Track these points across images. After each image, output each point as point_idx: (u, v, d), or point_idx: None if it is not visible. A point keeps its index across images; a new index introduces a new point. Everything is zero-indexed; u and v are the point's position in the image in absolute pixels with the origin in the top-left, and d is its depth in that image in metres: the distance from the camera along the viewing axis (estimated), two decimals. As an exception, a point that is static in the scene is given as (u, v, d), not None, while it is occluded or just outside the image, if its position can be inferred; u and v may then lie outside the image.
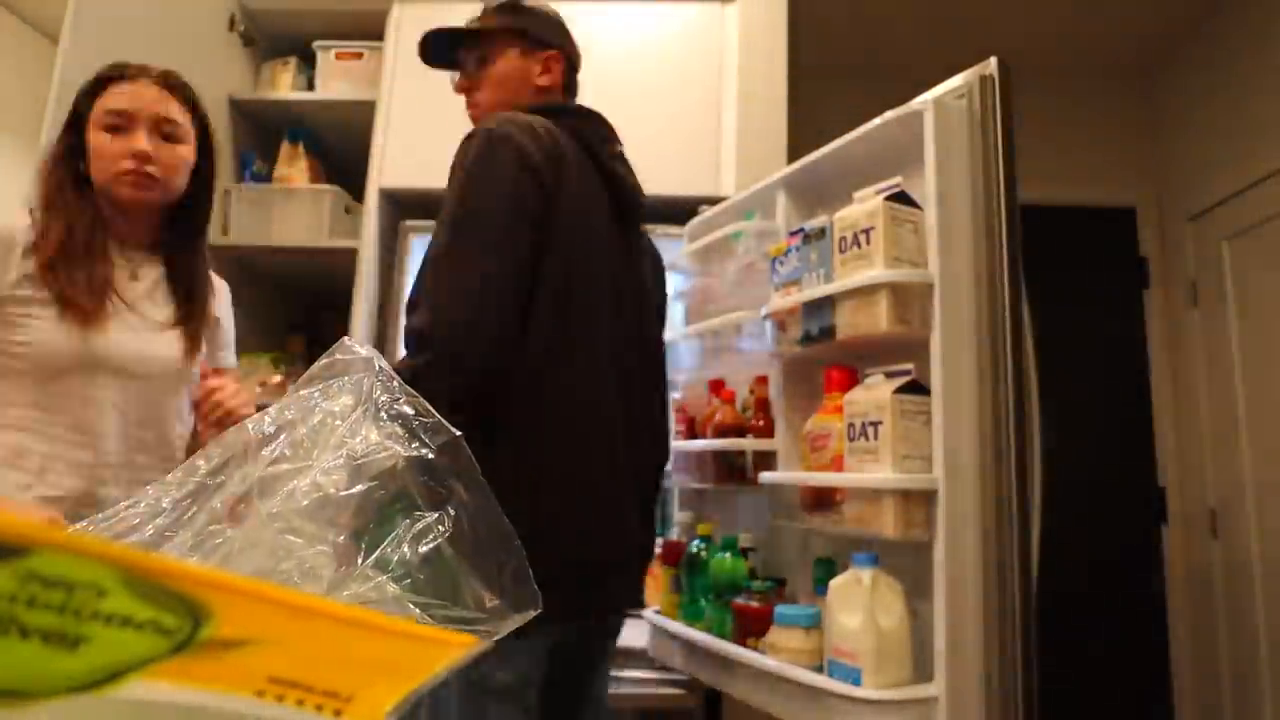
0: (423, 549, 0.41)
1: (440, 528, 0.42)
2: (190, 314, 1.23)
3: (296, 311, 2.58)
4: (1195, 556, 2.77)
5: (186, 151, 1.21)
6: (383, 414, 0.45)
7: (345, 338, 0.49)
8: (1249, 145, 2.57)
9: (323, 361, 0.48)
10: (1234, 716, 2.53)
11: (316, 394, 0.45)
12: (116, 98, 1.15)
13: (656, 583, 1.81)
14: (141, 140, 1.14)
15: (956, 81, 1.19)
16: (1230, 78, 2.68)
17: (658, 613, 1.58)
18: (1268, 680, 2.38)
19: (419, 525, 0.42)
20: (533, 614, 0.45)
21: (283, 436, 0.43)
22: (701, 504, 1.69)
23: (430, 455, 0.44)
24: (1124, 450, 2.92)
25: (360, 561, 0.39)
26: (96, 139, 1.14)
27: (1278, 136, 2.46)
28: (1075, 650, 2.73)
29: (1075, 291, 2.89)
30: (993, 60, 1.15)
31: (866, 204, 1.17)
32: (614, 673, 1.69)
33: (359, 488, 0.41)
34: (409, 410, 0.45)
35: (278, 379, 2.16)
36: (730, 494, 1.64)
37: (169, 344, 1.20)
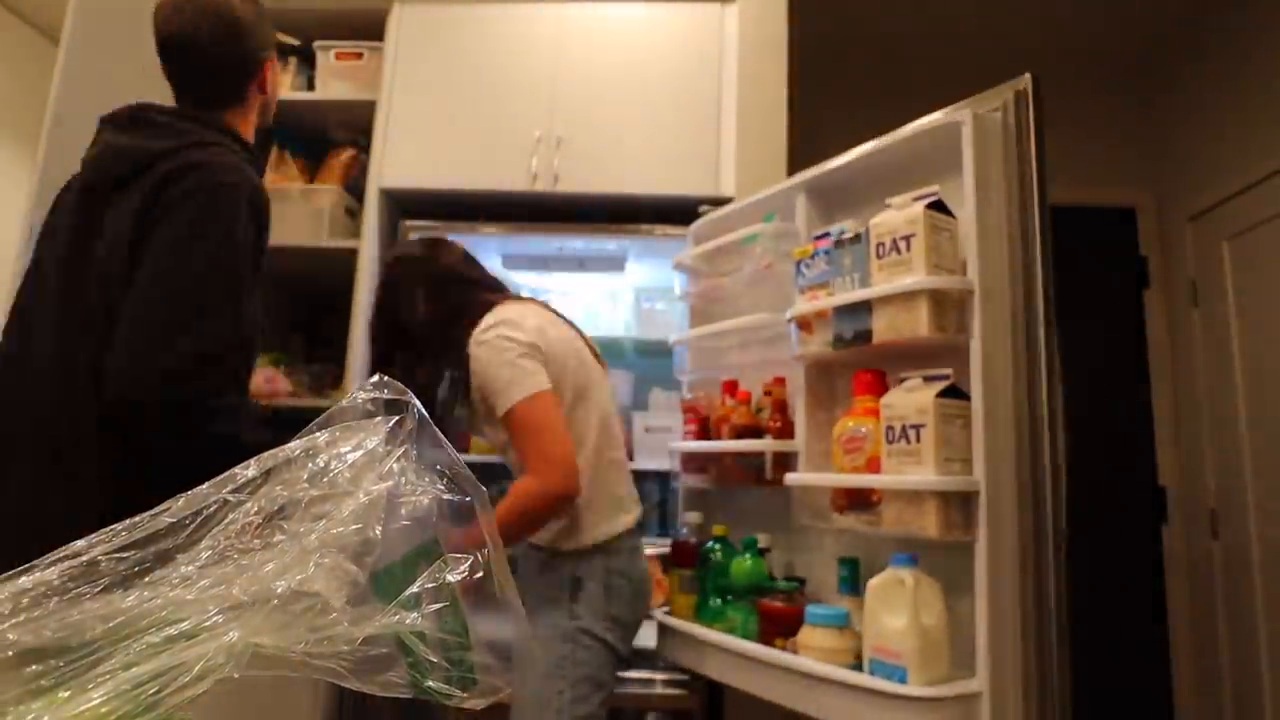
0: (440, 599, 0.41)
1: (459, 579, 0.42)
2: None
3: (296, 311, 2.58)
4: (1195, 556, 2.77)
5: None
6: (420, 457, 0.45)
7: (383, 375, 0.49)
8: (1249, 145, 2.58)
9: (360, 395, 0.48)
10: (1234, 715, 2.54)
11: (353, 427, 0.45)
12: None
13: (662, 584, 1.81)
14: None
15: (990, 94, 1.23)
16: (1231, 77, 2.68)
17: (668, 613, 1.58)
18: (1268, 679, 2.38)
19: (441, 573, 0.42)
20: (529, 680, 0.45)
21: (319, 461, 0.43)
22: (706, 504, 1.69)
23: (463, 502, 0.45)
24: (1124, 450, 2.93)
25: (373, 600, 0.39)
26: None
27: (1278, 136, 2.46)
28: (1075, 649, 2.73)
29: (1075, 291, 2.89)
30: (1027, 76, 1.19)
31: (906, 211, 1.19)
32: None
33: (394, 525, 0.41)
34: (445, 457, 0.46)
35: (277, 379, 2.16)
36: (734, 494, 1.64)
37: None
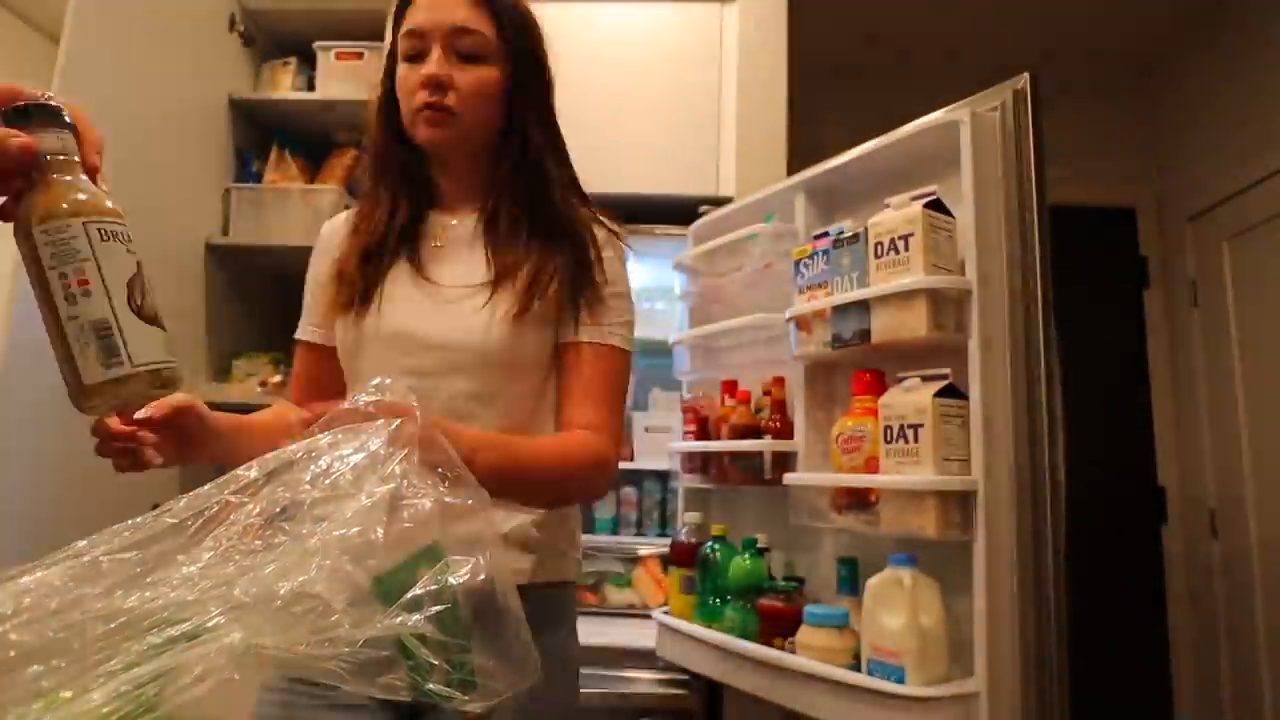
0: (440, 601, 0.41)
1: (460, 582, 0.42)
2: (501, 276, 0.94)
3: (297, 312, 2.57)
4: (1195, 556, 2.77)
5: (489, 72, 0.94)
6: (420, 461, 0.45)
7: (384, 377, 0.49)
8: (1249, 145, 2.58)
9: (362, 398, 0.48)
10: (1234, 715, 2.54)
11: (355, 429, 0.45)
12: (413, 15, 0.93)
13: (661, 584, 1.81)
14: (433, 64, 0.90)
15: (989, 93, 1.23)
16: (1231, 78, 2.68)
17: (667, 613, 1.58)
18: (1267, 679, 2.38)
19: (443, 576, 0.42)
20: (529, 683, 0.45)
21: (321, 463, 0.43)
22: (706, 504, 1.69)
23: (465, 505, 0.44)
24: (1124, 450, 2.93)
25: (374, 603, 0.39)
26: (399, 71, 0.94)
27: (1278, 136, 2.46)
28: (1075, 649, 2.73)
29: (1075, 291, 2.89)
30: (1025, 75, 1.19)
31: (904, 210, 1.19)
32: (614, 672, 1.70)
33: (396, 528, 0.41)
34: (446, 460, 0.46)
35: (278, 379, 2.16)
36: (735, 494, 1.64)
37: (468, 315, 0.93)
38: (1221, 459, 2.67)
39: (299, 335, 1.11)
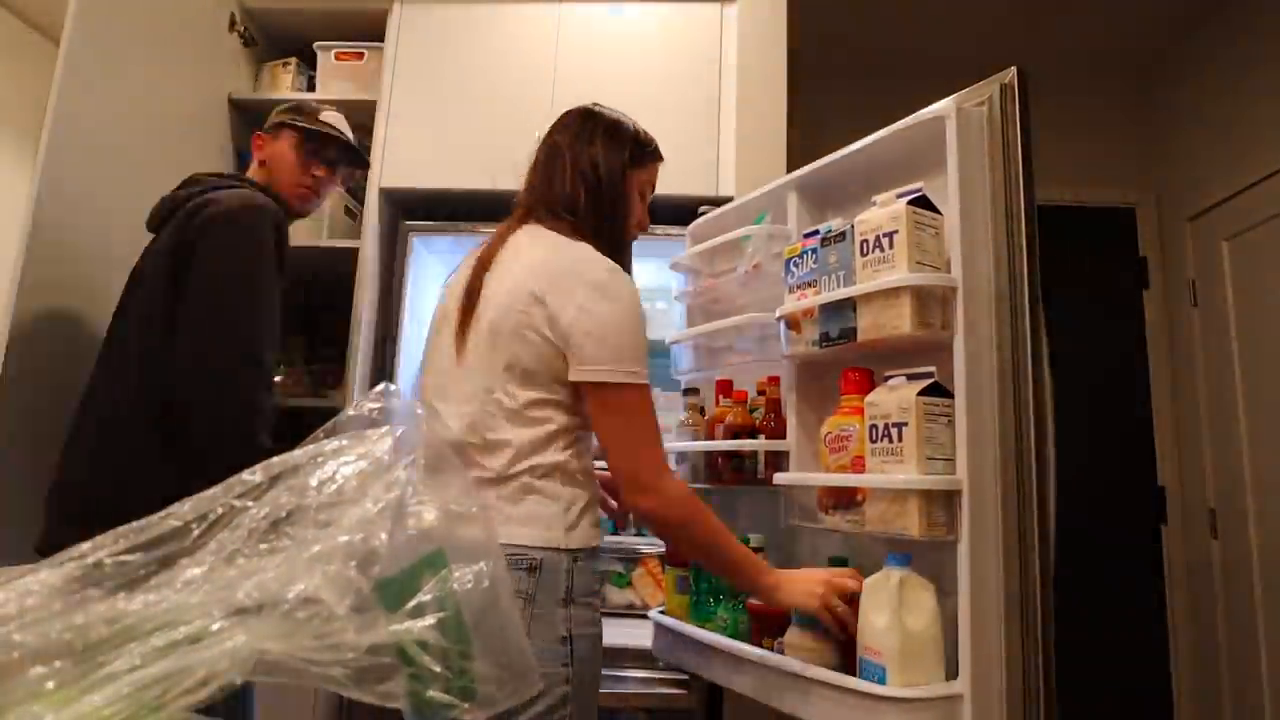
0: (443, 608, 0.41)
1: (463, 589, 0.42)
2: None
3: (296, 311, 2.58)
4: (1195, 556, 2.78)
5: None
6: (424, 469, 0.45)
7: (387, 383, 0.49)
8: (1249, 145, 2.58)
9: (368, 405, 0.48)
10: (1233, 715, 2.54)
11: (359, 435, 0.45)
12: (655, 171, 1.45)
13: (659, 583, 1.82)
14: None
15: (976, 89, 1.21)
16: (1230, 78, 2.69)
17: (662, 613, 1.58)
18: (1267, 679, 2.38)
19: (446, 584, 0.42)
20: (530, 693, 0.45)
21: (326, 469, 0.42)
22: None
23: (469, 513, 0.45)
24: (1124, 450, 2.93)
25: (376, 609, 0.39)
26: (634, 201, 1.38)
27: (1277, 136, 2.46)
28: (1075, 649, 2.73)
29: (1075, 291, 2.90)
30: (1012, 69, 1.17)
31: (889, 208, 1.18)
32: (613, 672, 1.70)
33: (400, 536, 0.41)
34: (450, 468, 0.46)
35: (278, 379, 2.16)
36: (732, 494, 1.65)
37: None
38: (1221, 459, 2.67)
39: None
